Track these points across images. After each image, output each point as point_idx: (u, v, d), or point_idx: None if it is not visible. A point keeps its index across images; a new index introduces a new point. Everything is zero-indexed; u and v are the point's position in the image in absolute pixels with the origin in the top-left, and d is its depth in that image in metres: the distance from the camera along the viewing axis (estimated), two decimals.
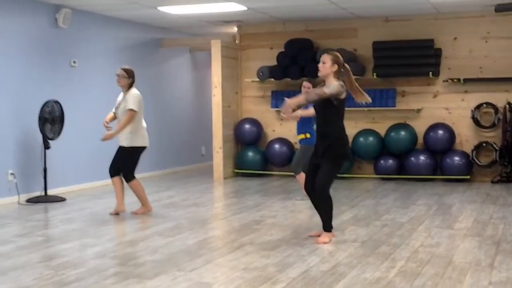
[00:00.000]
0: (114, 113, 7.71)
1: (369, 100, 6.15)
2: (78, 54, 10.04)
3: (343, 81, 6.04)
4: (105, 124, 7.62)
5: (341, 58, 6.09)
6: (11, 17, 8.84)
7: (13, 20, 8.88)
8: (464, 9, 10.37)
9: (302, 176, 7.99)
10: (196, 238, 6.38)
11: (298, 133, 8.43)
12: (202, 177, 11.62)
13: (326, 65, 6.01)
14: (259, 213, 7.76)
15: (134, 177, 7.68)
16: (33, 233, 6.69)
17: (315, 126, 8.20)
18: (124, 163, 7.65)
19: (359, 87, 6.14)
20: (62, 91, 9.57)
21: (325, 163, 6.03)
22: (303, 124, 8.25)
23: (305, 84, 8.23)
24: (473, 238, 6.27)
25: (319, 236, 6.16)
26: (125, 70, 7.60)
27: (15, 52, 8.92)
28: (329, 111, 6.04)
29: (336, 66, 6.02)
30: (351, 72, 6.14)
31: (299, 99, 6.11)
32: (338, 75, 6.05)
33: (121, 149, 7.64)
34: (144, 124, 7.71)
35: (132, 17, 10.99)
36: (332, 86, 5.91)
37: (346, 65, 6.11)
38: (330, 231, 6.15)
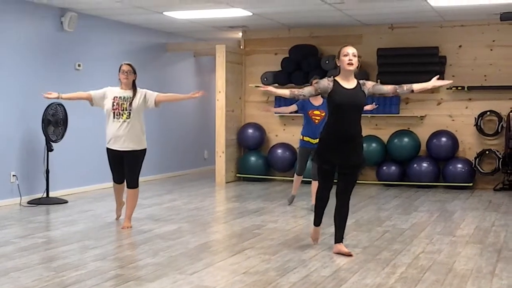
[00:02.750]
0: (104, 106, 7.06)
1: None
2: (83, 57, 10.07)
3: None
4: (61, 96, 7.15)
5: None
6: (17, 20, 8.86)
7: (19, 23, 8.90)
8: (469, 17, 10.37)
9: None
10: (197, 241, 6.37)
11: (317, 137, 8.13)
12: (204, 181, 11.62)
13: (356, 58, 5.66)
14: (261, 218, 7.76)
15: None
16: (34, 234, 6.70)
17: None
18: (140, 168, 7.17)
19: None
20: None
21: (357, 172, 5.87)
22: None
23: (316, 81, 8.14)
24: (474, 245, 6.26)
25: (341, 252, 5.79)
26: (131, 66, 7.14)
27: (21, 54, 8.94)
28: (363, 109, 5.85)
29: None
30: None
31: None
32: None
33: (138, 153, 7.03)
34: None
35: (137, 22, 11.01)
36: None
37: None
38: None
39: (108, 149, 7.12)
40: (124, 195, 7.42)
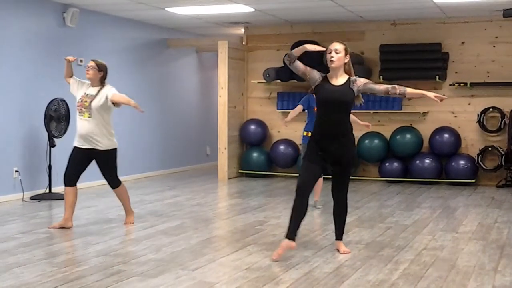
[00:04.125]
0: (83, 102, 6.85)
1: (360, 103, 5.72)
2: (85, 53, 10.04)
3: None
4: None
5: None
6: (19, 16, 8.86)
7: (21, 19, 8.90)
8: (472, 13, 10.35)
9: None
10: (200, 237, 6.37)
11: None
12: (207, 177, 11.62)
13: (340, 55, 5.48)
14: (263, 214, 7.75)
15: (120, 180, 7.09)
16: (36, 230, 6.70)
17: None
18: (115, 165, 6.98)
19: None
20: (69, 90, 9.57)
21: (348, 170, 5.72)
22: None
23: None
24: (477, 241, 6.25)
25: (339, 250, 5.76)
26: (96, 62, 6.88)
27: (23, 50, 8.94)
28: (350, 107, 5.58)
29: (348, 58, 5.54)
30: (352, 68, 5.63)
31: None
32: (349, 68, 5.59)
33: (108, 153, 6.85)
34: None
35: (139, 17, 11.00)
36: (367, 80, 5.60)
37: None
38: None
39: (75, 146, 6.90)
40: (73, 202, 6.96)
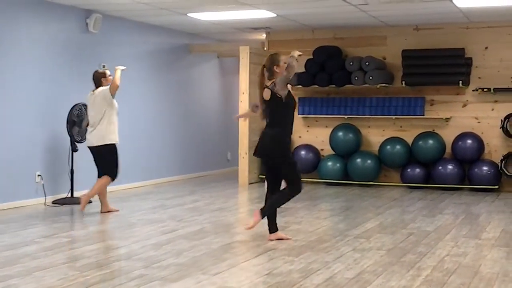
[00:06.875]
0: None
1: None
2: (107, 58, 10.12)
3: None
4: None
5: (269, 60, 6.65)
6: (42, 21, 8.94)
7: (44, 24, 8.98)
8: (496, 18, 10.26)
9: None
10: (221, 242, 6.37)
11: None
12: (228, 182, 11.62)
13: None
14: (284, 219, 7.72)
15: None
16: (58, 234, 6.74)
17: None
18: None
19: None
20: None
21: None
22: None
23: None
24: (500, 248, 6.18)
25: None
26: None
27: (46, 55, 9.02)
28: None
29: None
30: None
31: None
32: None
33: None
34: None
35: (161, 23, 11.05)
36: None
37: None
38: None
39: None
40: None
